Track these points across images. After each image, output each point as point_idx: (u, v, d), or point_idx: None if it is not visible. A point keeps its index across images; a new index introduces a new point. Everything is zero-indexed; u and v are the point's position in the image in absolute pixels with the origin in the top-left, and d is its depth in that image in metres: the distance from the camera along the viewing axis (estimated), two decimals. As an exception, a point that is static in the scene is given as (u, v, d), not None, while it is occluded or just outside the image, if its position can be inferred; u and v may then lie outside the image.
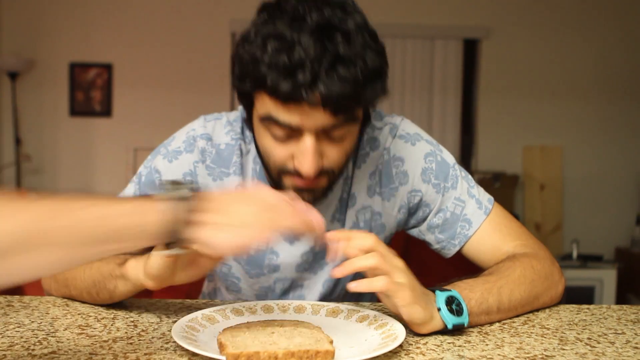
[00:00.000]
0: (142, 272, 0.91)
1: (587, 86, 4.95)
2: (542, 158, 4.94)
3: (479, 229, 1.17)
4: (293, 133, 0.96)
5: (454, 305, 0.91)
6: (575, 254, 4.35)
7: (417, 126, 1.23)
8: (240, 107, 1.15)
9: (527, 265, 1.09)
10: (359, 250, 0.88)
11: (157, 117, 4.82)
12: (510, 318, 1.04)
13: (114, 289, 1.00)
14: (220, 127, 1.18)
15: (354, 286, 0.87)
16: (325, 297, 1.23)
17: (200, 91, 4.81)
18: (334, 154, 0.99)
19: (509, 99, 4.96)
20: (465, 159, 5.00)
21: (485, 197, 1.20)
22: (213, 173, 1.16)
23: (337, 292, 1.24)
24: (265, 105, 0.95)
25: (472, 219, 1.17)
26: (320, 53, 0.88)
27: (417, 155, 1.19)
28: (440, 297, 0.91)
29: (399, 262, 0.89)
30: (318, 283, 1.22)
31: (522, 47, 4.93)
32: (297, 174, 0.99)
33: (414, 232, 1.24)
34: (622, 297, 4.38)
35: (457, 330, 0.94)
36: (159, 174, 1.16)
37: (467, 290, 0.97)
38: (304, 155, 0.96)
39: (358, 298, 1.25)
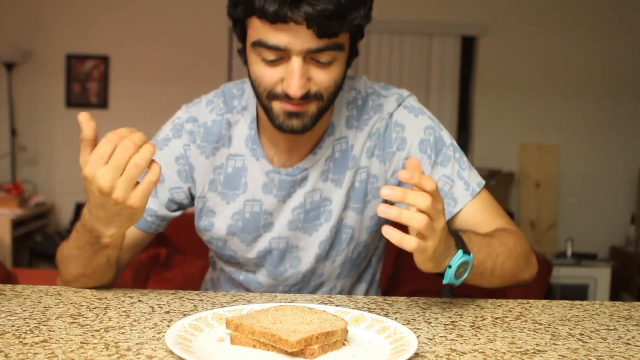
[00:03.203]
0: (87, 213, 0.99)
1: (584, 84, 4.95)
2: (538, 156, 4.95)
3: (464, 208, 1.20)
4: (281, 55, 1.02)
5: (462, 269, 0.97)
6: (569, 252, 4.36)
7: (421, 105, 1.29)
8: (222, 85, 1.27)
9: (517, 240, 1.15)
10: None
11: (153, 109, 4.81)
12: (499, 286, 1.12)
13: (84, 246, 1.05)
14: (203, 108, 1.25)
15: (386, 211, 0.84)
16: (321, 259, 1.27)
17: (196, 84, 4.80)
18: (321, 78, 1.05)
19: (505, 96, 4.96)
20: (462, 156, 4.99)
21: (475, 181, 1.22)
22: (205, 150, 1.23)
23: (333, 254, 1.28)
24: (255, 30, 1.02)
25: (458, 198, 1.20)
26: None
27: (418, 125, 1.23)
28: (457, 260, 0.96)
29: (442, 217, 0.90)
30: (314, 244, 1.26)
31: (520, 44, 4.93)
32: (286, 97, 1.04)
33: None
34: (616, 296, 4.39)
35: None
36: None
37: (475, 249, 1.02)
38: (291, 76, 1.02)
39: (352, 267, 1.31)
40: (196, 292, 1.13)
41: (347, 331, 0.83)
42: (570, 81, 4.95)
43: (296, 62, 1.01)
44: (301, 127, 1.08)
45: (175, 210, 1.27)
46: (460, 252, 0.96)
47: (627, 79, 4.95)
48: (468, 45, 5.01)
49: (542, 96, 4.96)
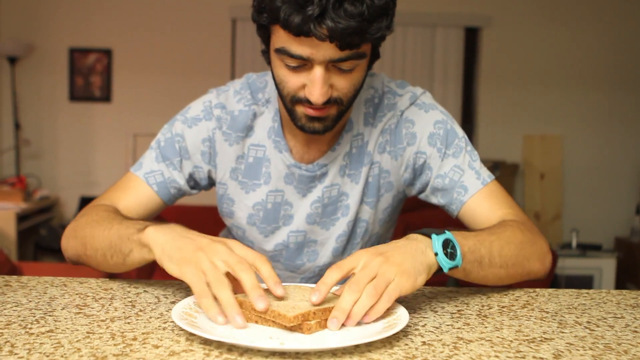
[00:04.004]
0: (159, 251, 0.94)
1: (587, 75, 4.93)
2: (542, 147, 4.94)
3: (474, 195, 1.21)
4: (304, 64, 1.03)
5: (449, 248, 0.95)
6: (574, 243, 4.35)
7: (436, 102, 1.30)
8: (245, 75, 1.29)
9: (516, 229, 1.12)
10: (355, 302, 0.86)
11: (156, 103, 4.81)
12: (505, 278, 1.08)
13: (129, 253, 1.01)
14: (231, 97, 1.27)
15: (369, 321, 0.85)
16: (338, 253, 1.30)
17: (200, 77, 4.80)
18: (342, 85, 1.06)
19: (509, 87, 4.94)
20: (466, 147, 4.98)
21: (486, 173, 1.24)
22: (229, 138, 1.25)
23: (349, 248, 1.32)
24: (279, 38, 1.03)
25: (469, 186, 1.22)
26: None
27: (427, 120, 1.25)
28: (437, 241, 0.94)
29: (374, 261, 0.88)
30: (331, 238, 1.30)
31: (523, 35, 4.91)
32: (307, 102, 1.06)
33: (422, 196, 1.30)
34: (621, 287, 4.39)
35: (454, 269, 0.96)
36: (180, 137, 1.25)
37: (460, 237, 1.00)
38: (314, 85, 1.03)
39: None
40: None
41: None
42: (573, 72, 4.93)
43: (318, 71, 1.02)
44: (322, 129, 1.11)
45: (193, 188, 1.30)
46: (433, 235, 0.95)
47: (630, 69, 4.92)
48: (471, 37, 4.99)
49: (546, 87, 4.94)
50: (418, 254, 0.92)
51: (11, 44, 4.56)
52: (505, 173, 4.73)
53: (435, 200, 1.26)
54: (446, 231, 0.97)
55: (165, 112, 4.76)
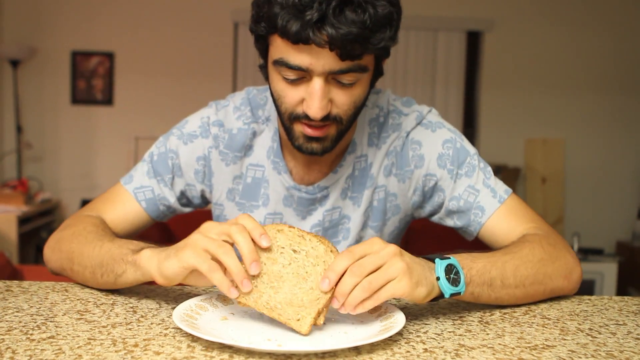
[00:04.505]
0: (155, 266, 0.92)
1: (589, 79, 4.93)
2: (544, 151, 4.93)
3: (492, 215, 1.17)
4: (303, 75, 0.99)
5: (452, 274, 0.92)
6: (576, 247, 4.34)
7: (443, 119, 1.25)
8: (245, 89, 1.24)
9: (536, 245, 1.07)
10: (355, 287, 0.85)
11: (158, 106, 4.82)
12: (522, 305, 1.04)
13: (122, 274, 1.00)
14: (230, 113, 1.23)
15: (354, 313, 0.85)
16: None
17: (202, 80, 4.80)
18: (342, 100, 1.02)
19: (511, 91, 4.94)
20: (467, 151, 4.98)
21: (502, 188, 1.20)
22: (226, 158, 1.22)
23: None
24: (277, 48, 0.99)
25: (485, 207, 1.17)
26: None
27: (435, 140, 1.20)
28: (440, 265, 0.91)
29: (388, 251, 0.86)
30: None
31: (525, 39, 4.91)
32: (306, 117, 1.02)
33: (435, 219, 1.26)
34: (623, 291, 4.38)
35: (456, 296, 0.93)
36: (174, 154, 1.21)
37: (468, 260, 0.97)
38: (313, 97, 0.99)
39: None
40: (202, 287, 1.12)
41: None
42: (575, 75, 4.93)
43: (318, 83, 0.98)
44: (321, 150, 1.07)
45: (185, 205, 1.27)
46: (437, 260, 0.92)
47: (632, 72, 4.92)
48: (473, 41, 5.00)
49: (548, 91, 4.94)
50: (426, 269, 0.89)
51: (13, 47, 4.57)
52: (506, 177, 4.73)
53: (451, 222, 1.22)
54: (451, 257, 0.94)
55: (167, 115, 4.80)
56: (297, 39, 0.94)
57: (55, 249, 1.14)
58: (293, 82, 1.01)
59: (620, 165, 4.98)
